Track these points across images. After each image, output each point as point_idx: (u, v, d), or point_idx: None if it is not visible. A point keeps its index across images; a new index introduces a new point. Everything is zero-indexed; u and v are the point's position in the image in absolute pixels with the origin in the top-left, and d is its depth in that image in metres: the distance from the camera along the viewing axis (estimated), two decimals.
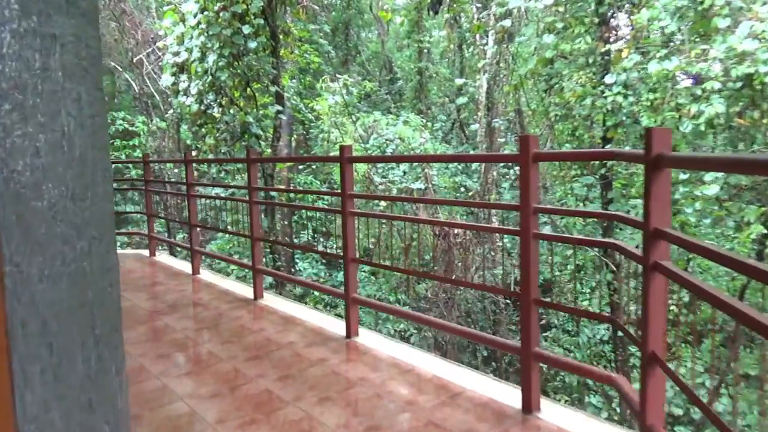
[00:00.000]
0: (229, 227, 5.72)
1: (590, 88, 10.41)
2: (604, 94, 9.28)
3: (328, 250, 11.64)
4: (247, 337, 3.97)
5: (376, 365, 3.68)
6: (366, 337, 4.25)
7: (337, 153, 4.06)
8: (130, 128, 20.37)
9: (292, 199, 12.72)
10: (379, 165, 15.33)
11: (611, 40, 10.29)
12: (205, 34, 9.86)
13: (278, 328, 4.19)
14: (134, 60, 14.91)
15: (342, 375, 3.53)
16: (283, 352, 3.76)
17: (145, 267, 6.47)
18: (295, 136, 19.70)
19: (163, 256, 7.03)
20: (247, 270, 5.07)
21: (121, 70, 17.30)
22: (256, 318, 4.48)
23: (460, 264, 12.90)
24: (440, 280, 10.90)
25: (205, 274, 5.96)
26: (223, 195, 8.06)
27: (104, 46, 17.79)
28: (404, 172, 15.38)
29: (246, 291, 5.15)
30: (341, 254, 4.10)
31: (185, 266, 6.19)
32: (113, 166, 17.78)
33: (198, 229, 6.03)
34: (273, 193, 12.18)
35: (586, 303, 12.49)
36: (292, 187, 13.82)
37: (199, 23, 10.07)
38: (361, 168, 15.31)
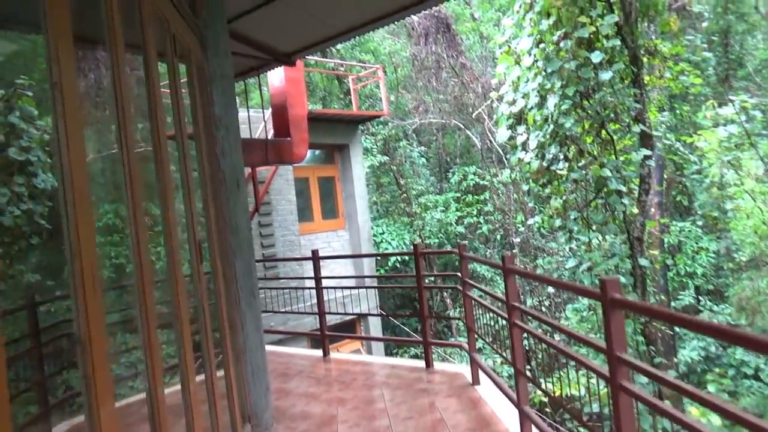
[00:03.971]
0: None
1: None
2: None
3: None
4: None
5: None
6: None
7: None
8: (480, 182, 19.85)
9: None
10: None
11: None
12: (543, 73, 7.83)
13: None
14: (474, 114, 13.88)
15: None
16: None
17: (456, 411, 4.54)
18: (665, 176, 16.01)
19: (486, 387, 5.05)
20: None
21: (463, 126, 16.63)
22: None
23: None
24: None
25: None
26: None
27: (448, 104, 17.57)
28: None
29: None
30: None
31: (513, 418, 4.05)
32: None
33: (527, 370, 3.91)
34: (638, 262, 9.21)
35: None
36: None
37: (535, 61, 8.12)
38: None
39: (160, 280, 2.75)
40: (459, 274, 5.40)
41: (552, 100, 7.68)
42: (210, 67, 4.36)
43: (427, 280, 9.93)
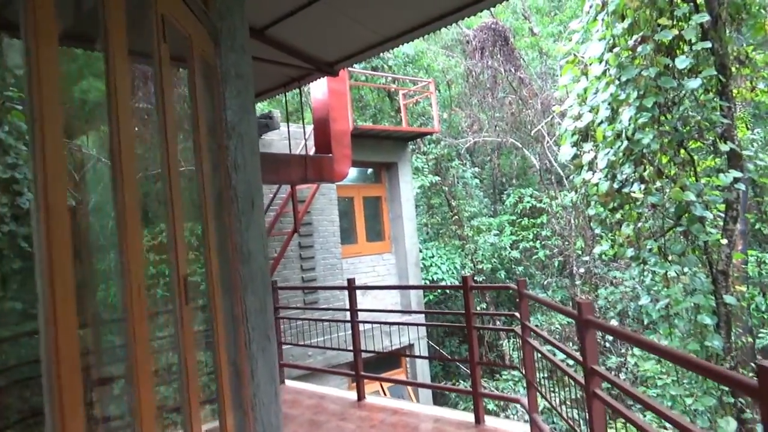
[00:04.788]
0: None
1: None
2: None
3: None
4: None
5: None
6: None
7: None
8: (537, 205, 18.75)
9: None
10: None
11: None
12: (616, 82, 6.88)
13: None
14: (532, 132, 12.91)
15: None
16: None
17: None
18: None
19: None
20: None
21: (520, 146, 15.63)
22: None
23: None
24: None
25: None
26: None
27: (504, 122, 16.63)
28: None
29: None
30: None
31: None
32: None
33: None
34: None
35: None
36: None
37: (606, 69, 7.18)
38: None
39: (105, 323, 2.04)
40: (518, 314, 4.52)
41: (627, 113, 6.71)
42: (223, 65, 3.69)
43: (478, 316, 9.01)
